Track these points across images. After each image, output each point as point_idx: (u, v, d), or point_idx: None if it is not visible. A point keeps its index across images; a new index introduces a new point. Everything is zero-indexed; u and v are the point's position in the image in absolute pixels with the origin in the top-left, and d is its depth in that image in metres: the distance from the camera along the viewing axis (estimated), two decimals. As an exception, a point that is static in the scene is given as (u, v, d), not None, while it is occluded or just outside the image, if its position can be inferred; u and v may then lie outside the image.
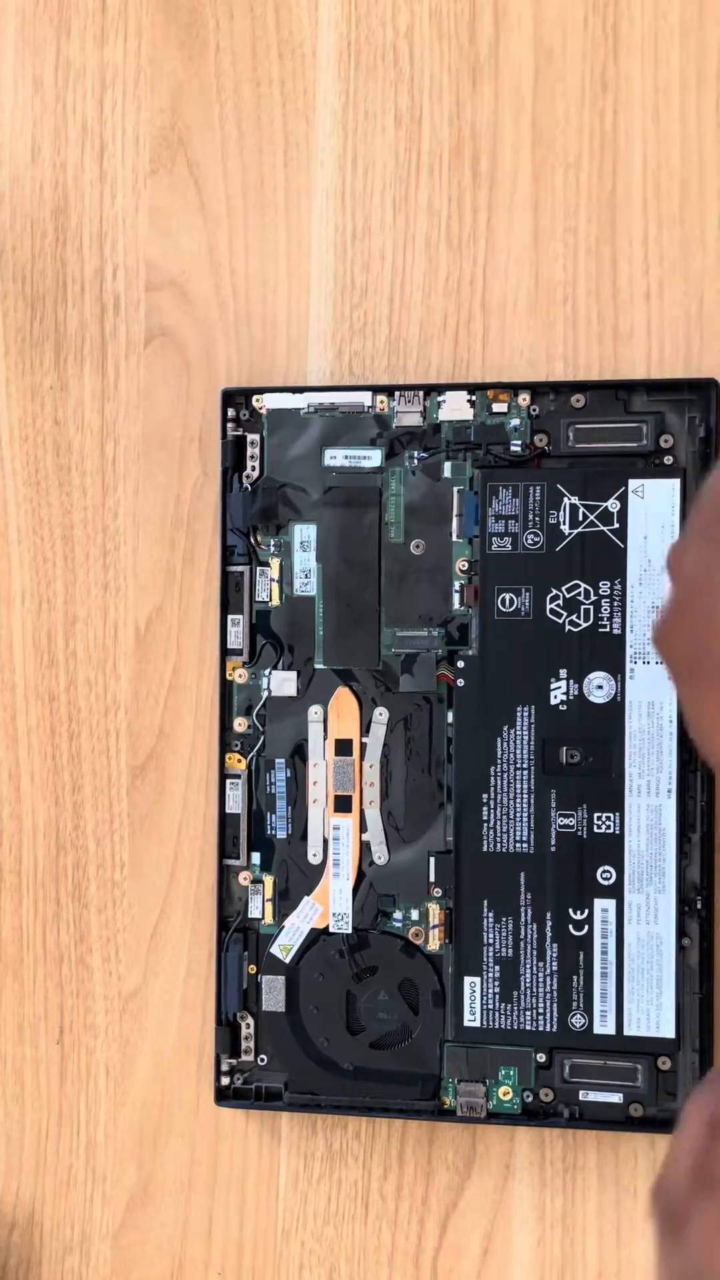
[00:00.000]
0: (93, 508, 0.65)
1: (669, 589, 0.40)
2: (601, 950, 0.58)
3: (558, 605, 0.59)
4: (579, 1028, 0.59)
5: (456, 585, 0.60)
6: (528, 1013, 0.59)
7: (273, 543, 0.61)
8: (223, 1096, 0.62)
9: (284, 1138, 0.63)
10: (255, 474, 0.62)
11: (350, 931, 0.61)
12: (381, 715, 0.61)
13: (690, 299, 0.60)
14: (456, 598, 0.60)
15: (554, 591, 0.59)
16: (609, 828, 0.58)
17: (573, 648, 0.59)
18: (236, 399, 0.62)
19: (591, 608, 0.58)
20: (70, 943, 0.65)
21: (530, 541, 0.59)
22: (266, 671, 0.62)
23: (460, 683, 0.59)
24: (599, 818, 0.58)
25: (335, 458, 0.61)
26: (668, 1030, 0.58)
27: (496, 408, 0.60)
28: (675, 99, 0.60)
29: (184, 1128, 0.64)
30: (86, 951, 0.64)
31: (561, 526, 0.59)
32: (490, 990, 0.59)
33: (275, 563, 0.61)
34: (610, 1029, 0.58)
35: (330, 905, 0.61)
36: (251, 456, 0.62)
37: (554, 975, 0.59)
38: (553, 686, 0.59)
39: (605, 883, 0.58)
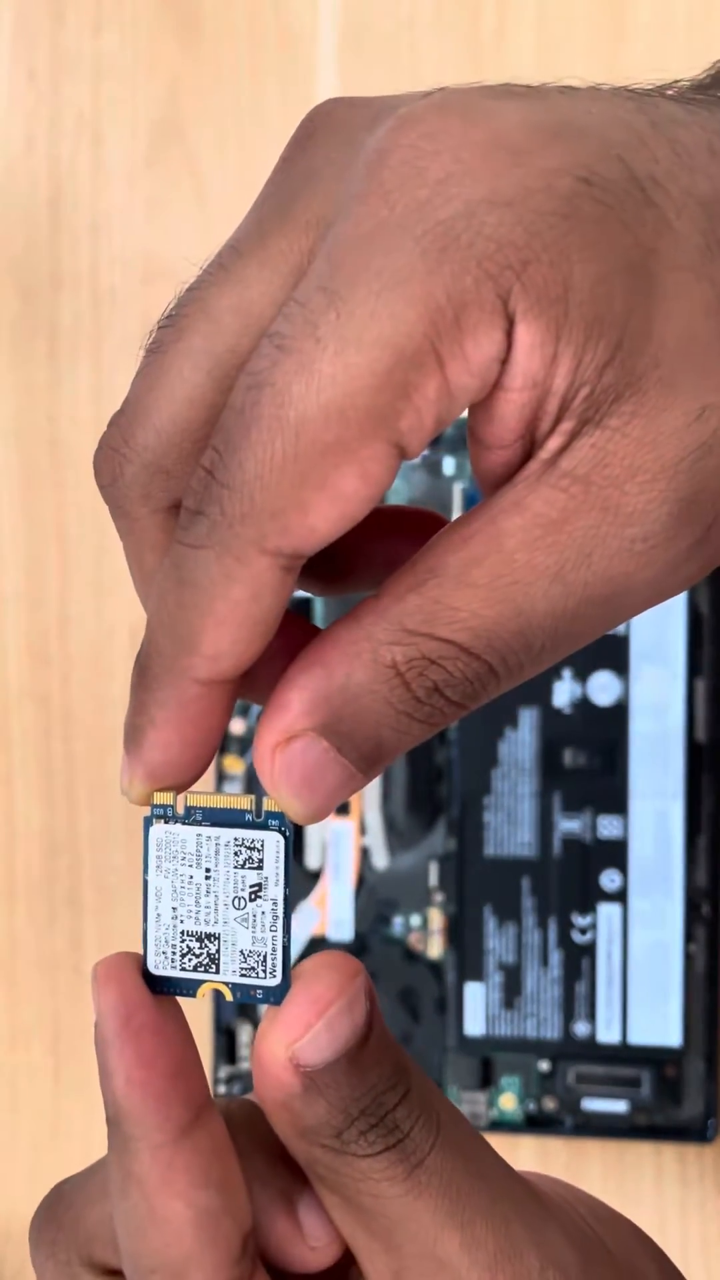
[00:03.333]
0: (87, 506, 0.64)
1: None
2: (606, 956, 0.58)
3: (562, 605, 0.58)
4: (583, 1035, 0.58)
5: (458, 584, 0.59)
6: (531, 1020, 0.58)
7: (271, 541, 0.61)
8: (220, 1105, 0.61)
9: (282, 1147, 0.62)
10: (253, 471, 0.61)
11: (351, 938, 0.60)
12: (382, 717, 0.60)
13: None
14: (458, 597, 0.59)
15: (558, 591, 0.58)
16: (614, 832, 0.57)
17: (577, 648, 0.58)
18: (234, 394, 0.61)
19: (596, 607, 0.58)
20: (65, 948, 0.64)
21: (534, 540, 0.58)
22: (265, 672, 0.61)
23: (462, 684, 0.59)
24: (604, 821, 0.58)
25: (335, 454, 0.60)
26: (674, 1038, 0.57)
27: (499, 403, 0.59)
28: (681, 89, 0.60)
29: (180, 1137, 0.63)
30: (81, 958, 0.64)
31: (565, 524, 0.58)
32: (493, 997, 0.59)
33: (273, 561, 0.61)
34: (615, 1037, 0.58)
35: (329, 911, 0.60)
36: (249, 453, 0.61)
37: (558, 982, 0.58)
38: (556, 687, 0.58)
39: (610, 888, 0.58)
